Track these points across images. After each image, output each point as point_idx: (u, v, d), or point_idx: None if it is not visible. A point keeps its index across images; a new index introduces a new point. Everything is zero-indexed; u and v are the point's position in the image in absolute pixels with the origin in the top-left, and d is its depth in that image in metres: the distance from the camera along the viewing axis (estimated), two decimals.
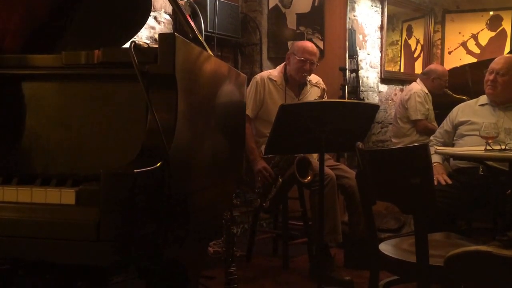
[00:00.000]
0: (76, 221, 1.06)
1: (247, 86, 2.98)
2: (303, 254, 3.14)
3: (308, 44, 3.07)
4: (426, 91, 3.99)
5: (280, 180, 2.80)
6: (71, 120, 1.28)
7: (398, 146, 3.95)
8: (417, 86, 4.02)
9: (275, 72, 3.13)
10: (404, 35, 5.44)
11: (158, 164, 1.07)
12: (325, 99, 3.07)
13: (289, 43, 4.28)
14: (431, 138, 3.04)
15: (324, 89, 2.92)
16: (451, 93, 4.09)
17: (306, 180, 2.70)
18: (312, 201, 2.79)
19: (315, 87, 3.01)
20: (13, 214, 1.10)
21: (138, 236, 1.04)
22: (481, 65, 3.68)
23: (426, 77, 4.08)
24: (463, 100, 4.03)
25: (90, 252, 1.04)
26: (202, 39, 1.60)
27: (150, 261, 1.12)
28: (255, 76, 3.17)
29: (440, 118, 3.78)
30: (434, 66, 4.32)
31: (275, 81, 3.07)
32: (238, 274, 2.15)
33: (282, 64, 3.13)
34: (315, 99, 2.90)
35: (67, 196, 1.09)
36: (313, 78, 3.06)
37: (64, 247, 1.06)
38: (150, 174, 1.06)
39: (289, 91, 3.07)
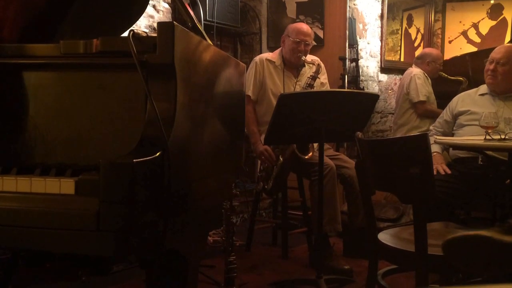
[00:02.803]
0: (76, 211, 1.06)
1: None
2: (302, 243, 3.15)
3: (302, 25, 3.06)
4: (425, 74, 3.97)
5: (281, 159, 2.81)
6: (70, 109, 1.27)
7: (399, 133, 3.95)
8: (416, 69, 3.98)
9: (272, 54, 3.15)
10: (405, 24, 5.40)
11: (158, 153, 1.07)
12: (325, 76, 3.06)
13: None
14: (431, 128, 3.03)
15: (319, 64, 2.90)
16: (446, 75, 4.06)
17: (307, 157, 2.70)
18: (312, 191, 2.80)
19: (311, 65, 3.00)
20: (13, 204, 1.11)
21: (137, 226, 1.04)
22: (481, 54, 3.66)
23: (421, 61, 4.05)
24: (460, 82, 4.02)
25: (90, 242, 1.05)
26: (201, 28, 1.59)
27: (150, 250, 1.12)
28: (254, 58, 3.19)
29: (440, 108, 3.77)
30: (428, 50, 4.27)
31: (274, 62, 3.08)
32: (238, 263, 2.16)
33: (279, 48, 3.14)
34: (310, 75, 2.89)
35: (66, 186, 1.09)
36: (308, 57, 3.04)
37: (64, 237, 1.06)
38: (150, 164, 1.06)
39: (287, 72, 3.08)
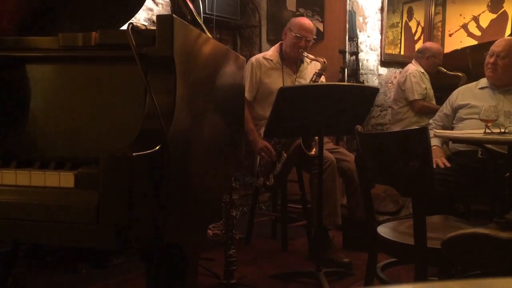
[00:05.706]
0: (76, 204, 1.06)
1: None
2: (302, 236, 3.16)
3: (305, 21, 3.04)
4: (422, 71, 3.97)
5: (285, 155, 2.80)
6: (69, 102, 1.27)
7: (397, 128, 3.95)
8: (413, 67, 3.99)
9: (269, 52, 3.13)
10: (405, 17, 5.38)
11: (157, 147, 1.07)
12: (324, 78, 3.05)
13: None
14: (430, 121, 3.03)
15: (325, 62, 2.87)
16: (445, 70, 4.06)
17: (312, 153, 2.70)
18: (312, 184, 2.80)
19: (315, 62, 2.97)
20: (12, 197, 1.10)
21: (137, 219, 1.04)
22: (481, 48, 3.65)
23: (421, 55, 4.05)
24: (458, 77, 4.02)
25: (90, 235, 1.05)
26: (200, 21, 1.58)
27: (149, 244, 1.12)
28: (250, 59, 3.15)
29: (439, 101, 3.77)
30: (429, 44, 4.26)
31: (271, 60, 3.06)
32: (238, 256, 2.16)
33: (278, 44, 3.12)
34: (316, 71, 2.87)
35: (66, 179, 1.09)
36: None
37: (64, 230, 1.06)
38: (149, 157, 1.06)
39: (286, 69, 3.06)
